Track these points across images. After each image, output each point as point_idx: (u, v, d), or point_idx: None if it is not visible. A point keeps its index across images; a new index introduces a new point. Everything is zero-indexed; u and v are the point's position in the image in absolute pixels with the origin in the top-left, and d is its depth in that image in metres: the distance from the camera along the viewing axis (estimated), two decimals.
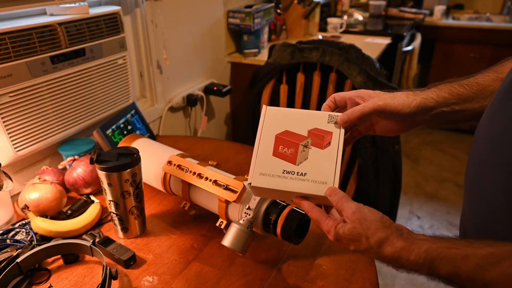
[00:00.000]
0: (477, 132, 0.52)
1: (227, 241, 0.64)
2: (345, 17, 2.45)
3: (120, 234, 0.75)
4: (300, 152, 0.55)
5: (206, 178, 0.71)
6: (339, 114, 0.56)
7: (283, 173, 0.54)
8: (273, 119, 0.57)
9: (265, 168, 0.54)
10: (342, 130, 0.56)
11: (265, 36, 1.80)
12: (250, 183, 0.54)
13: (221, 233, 0.74)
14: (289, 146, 0.55)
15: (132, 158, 0.69)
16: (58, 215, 0.80)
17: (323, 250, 0.71)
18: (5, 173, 0.75)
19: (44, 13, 0.92)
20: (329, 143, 0.55)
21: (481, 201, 0.50)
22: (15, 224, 0.78)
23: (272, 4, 1.80)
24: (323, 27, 2.20)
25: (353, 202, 0.51)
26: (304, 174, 0.53)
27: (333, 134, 0.55)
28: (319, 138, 0.55)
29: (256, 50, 1.69)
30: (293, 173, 0.54)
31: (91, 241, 0.69)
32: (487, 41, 2.71)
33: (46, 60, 0.84)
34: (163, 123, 1.40)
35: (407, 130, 0.60)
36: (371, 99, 0.57)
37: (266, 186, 0.54)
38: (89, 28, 0.92)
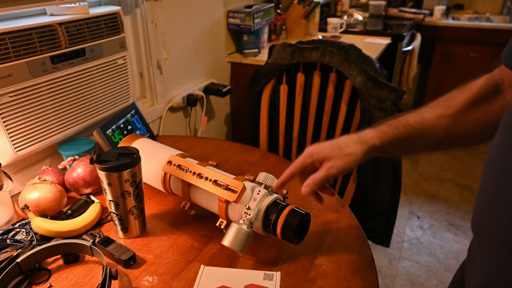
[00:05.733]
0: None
1: (227, 241, 0.64)
2: (345, 17, 2.46)
3: (120, 234, 0.75)
4: None
5: (206, 178, 0.71)
6: (274, 273, 0.62)
7: None
8: (210, 277, 0.62)
9: None
10: (278, 284, 0.60)
11: (265, 36, 1.80)
12: None
13: (221, 233, 0.74)
14: None
15: (132, 158, 0.69)
16: (58, 215, 0.80)
17: (323, 250, 0.71)
18: (5, 173, 0.75)
19: (44, 13, 0.92)
20: None
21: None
22: (15, 224, 0.78)
23: (272, 4, 1.80)
24: (323, 27, 2.20)
25: None
26: None
27: None
28: None
29: (256, 50, 1.69)
30: None
31: (91, 241, 0.69)
32: (487, 41, 2.71)
33: (46, 60, 0.84)
34: (163, 123, 1.40)
35: None
36: (326, 162, 0.62)
37: None
38: (89, 28, 0.92)
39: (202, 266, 0.64)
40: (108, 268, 0.61)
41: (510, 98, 0.59)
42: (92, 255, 0.68)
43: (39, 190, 0.78)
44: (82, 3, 0.91)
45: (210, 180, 0.70)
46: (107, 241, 0.70)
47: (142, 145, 0.84)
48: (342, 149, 0.61)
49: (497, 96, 0.60)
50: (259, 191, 0.67)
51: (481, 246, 0.51)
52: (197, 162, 0.76)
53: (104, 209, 0.83)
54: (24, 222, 0.78)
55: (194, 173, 0.72)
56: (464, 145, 0.64)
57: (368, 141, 0.61)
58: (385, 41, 2.04)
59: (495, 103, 0.60)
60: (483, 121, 0.60)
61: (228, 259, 0.70)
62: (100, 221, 0.80)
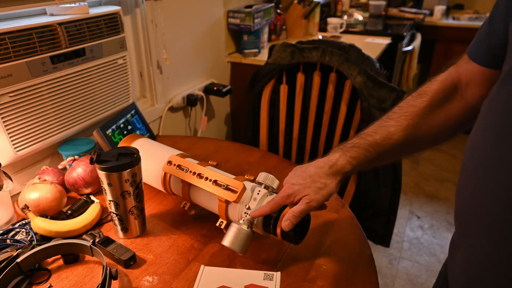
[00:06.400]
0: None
1: (227, 241, 0.64)
2: (345, 17, 2.45)
3: (120, 234, 0.75)
4: None
5: (206, 178, 0.71)
6: (274, 273, 0.62)
7: None
8: (210, 277, 0.62)
9: None
10: (278, 284, 0.61)
11: (265, 36, 1.80)
12: None
13: (221, 233, 0.74)
14: None
15: (132, 158, 0.69)
16: (58, 215, 0.80)
17: (323, 250, 0.71)
18: (5, 173, 0.75)
19: (44, 13, 0.92)
20: None
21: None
22: (15, 224, 0.78)
23: (272, 4, 1.80)
24: (323, 27, 2.20)
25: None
26: None
27: None
28: None
29: (256, 50, 1.69)
30: None
31: (91, 241, 0.69)
32: None
33: (46, 60, 0.84)
34: (163, 123, 1.40)
35: None
36: (305, 197, 0.61)
37: None
38: (89, 28, 0.92)
39: (202, 266, 0.64)
40: (108, 268, 0.61)
41: (468, 97, 0.60)
42: (92, 255, 0.68)
43: (39, 190, 0.78)
44: (82, 3, 0.91)
45: (210, 180, 0.70)
46: (107, 241, 0.70)
47: (142, 145, 0.84)
48: (316, 181, 0.62)
49: (455, 96, 0.61)
50: (259, 191, 0.67)
51: (465, 234, 0.52)
52: (197, 162, 0.76)
53: (104, 209, 0.83)
54: (24, 222, 0.78)
55: (194, 173, 0.72)
56: (431, 146, 0.66)
57: (340, 171, 0.62)
58: (385, 41, 2.04)
59: (455, 104, 0.61)
60: (447, 123, 0.62)
61: (228, 259, 0.70)
62: (100, 221, 0.80)
